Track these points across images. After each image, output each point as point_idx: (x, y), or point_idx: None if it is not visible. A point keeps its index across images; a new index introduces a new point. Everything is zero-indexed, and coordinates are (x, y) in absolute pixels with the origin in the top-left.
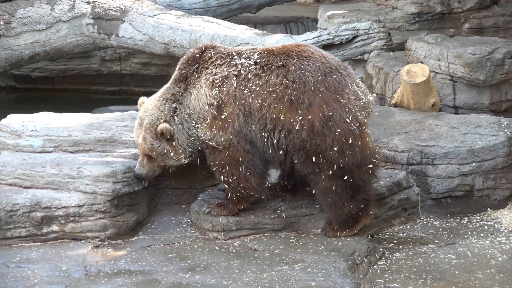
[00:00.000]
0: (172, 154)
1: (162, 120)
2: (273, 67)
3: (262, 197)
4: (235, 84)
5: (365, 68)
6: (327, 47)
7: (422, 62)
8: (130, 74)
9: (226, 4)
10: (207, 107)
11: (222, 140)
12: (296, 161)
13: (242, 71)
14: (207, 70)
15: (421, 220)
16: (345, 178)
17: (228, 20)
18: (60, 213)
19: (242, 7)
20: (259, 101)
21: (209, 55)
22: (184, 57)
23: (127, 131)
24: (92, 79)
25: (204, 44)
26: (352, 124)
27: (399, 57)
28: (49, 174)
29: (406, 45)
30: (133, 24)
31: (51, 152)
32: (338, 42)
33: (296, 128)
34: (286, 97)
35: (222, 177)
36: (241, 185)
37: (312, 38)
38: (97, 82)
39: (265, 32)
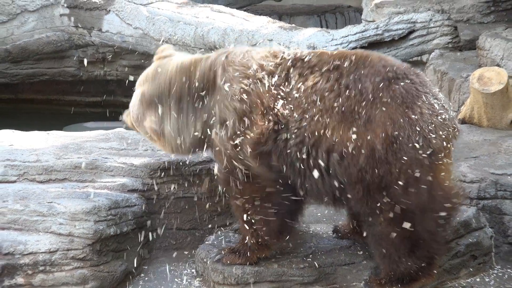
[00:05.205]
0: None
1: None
2: (324, 68)
3: (288, 238)
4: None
5: (424, 72)
6: (374, 45)
7: (498, 65)
8: (116, 81)
9: None
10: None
11: (251, 163)
12: (350, 197)
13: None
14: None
15: (496, 271)
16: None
17: (245, 10)
18: (26, 261)
19: None
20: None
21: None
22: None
23: (112, 154)
24: (68, 86)
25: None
26: (421, 151)
27: (469, 58)
28: (12, 211)
29: (477, 43)
30: (121, 15)
31: (14, 182)
32: (389, 39)
33: (351, 151)
34: (336, 108)
35: (245, 215)
36: (265, 229)
37: (355, 34)
38: (73, 91)
39: (293, 25)
